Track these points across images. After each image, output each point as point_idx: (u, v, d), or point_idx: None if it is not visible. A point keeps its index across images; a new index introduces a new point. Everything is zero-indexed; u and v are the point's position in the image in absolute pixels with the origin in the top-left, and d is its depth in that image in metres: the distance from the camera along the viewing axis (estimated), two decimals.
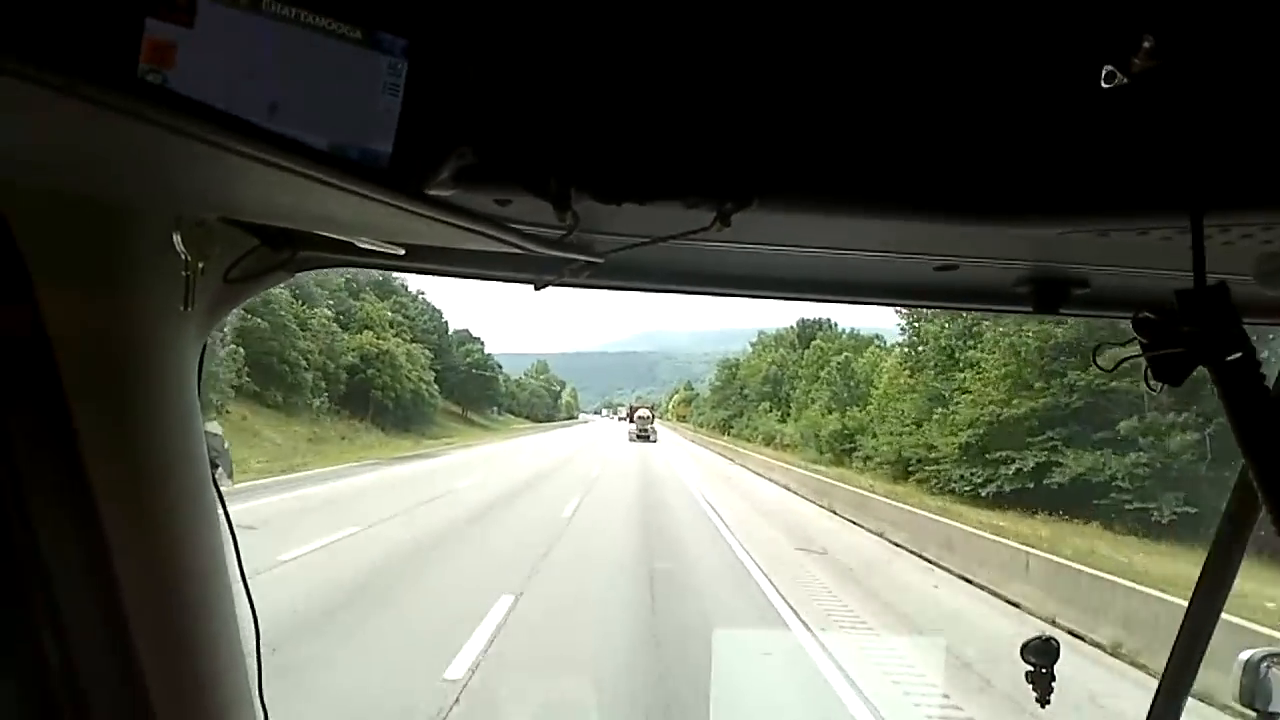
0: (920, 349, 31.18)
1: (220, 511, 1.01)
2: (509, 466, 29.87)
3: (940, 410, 26.89)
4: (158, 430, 0.92)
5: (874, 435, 31.64)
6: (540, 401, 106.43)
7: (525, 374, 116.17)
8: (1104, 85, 0.63)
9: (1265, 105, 0.66)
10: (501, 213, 0.79)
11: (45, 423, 0.81)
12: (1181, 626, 1.39)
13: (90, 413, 0.84)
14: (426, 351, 55.83)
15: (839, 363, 41.87)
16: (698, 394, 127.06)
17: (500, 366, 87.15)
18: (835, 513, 20.31)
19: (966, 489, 24.16)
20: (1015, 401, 23.09)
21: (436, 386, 55.95)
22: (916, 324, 30.53)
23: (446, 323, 68.74)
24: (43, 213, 0.78)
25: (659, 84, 0.70)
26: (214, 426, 1.05)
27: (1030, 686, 1.62)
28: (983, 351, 25.47)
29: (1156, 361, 0.71)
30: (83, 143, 0.56)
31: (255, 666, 1.05)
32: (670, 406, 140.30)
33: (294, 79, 0.57)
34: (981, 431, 24.18)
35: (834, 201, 0.77)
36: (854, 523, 18.58)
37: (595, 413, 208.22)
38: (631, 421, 64.78)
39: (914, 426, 28.38)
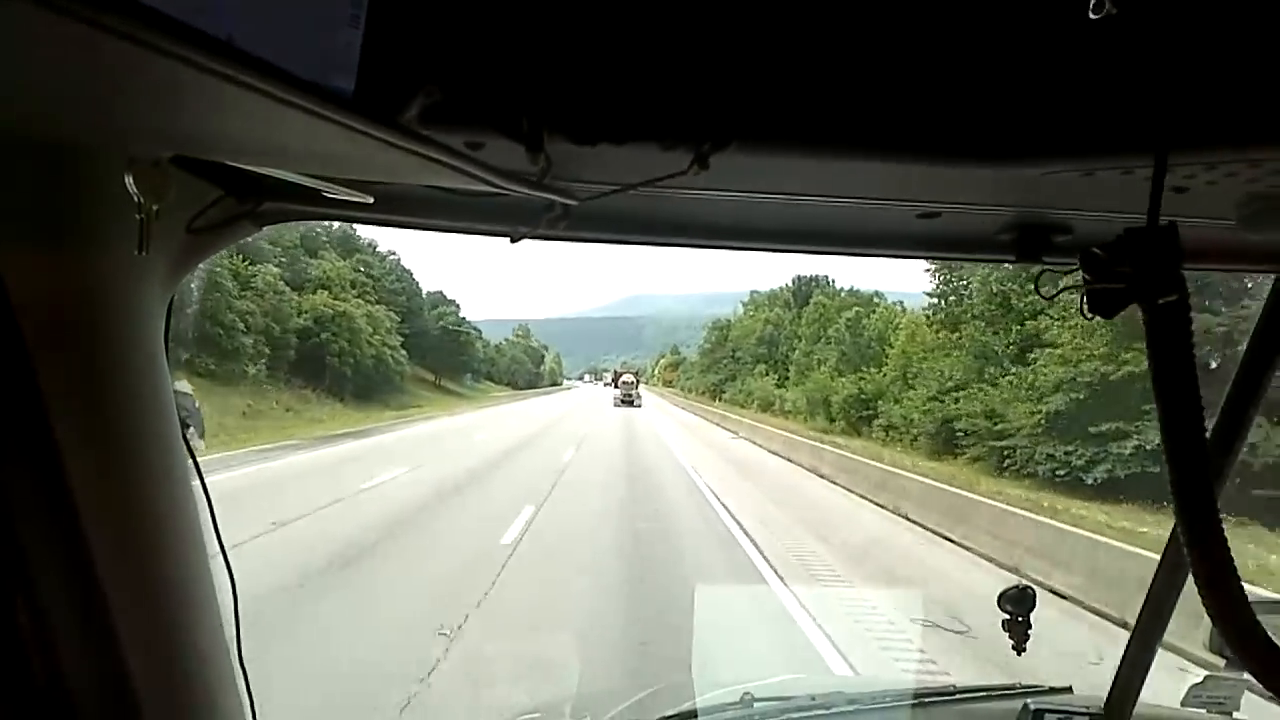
0: (961, 299, 26.81)
1: (193, 472, 0.98)
2: (461, 446, 22.91)
3: (993, 370, 22.52)
4: (122, 386, 0.88)
5: (896, 400, 27.51)
6: (521, 368, 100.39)
7: (506, 339, 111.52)
8: (1092, 16, 0.61)
9: (1248, 39, 0.64)
10: (474, 156, 0.75)
11: (4, 377, 0.76)
12: (1152, 581, 1.47)
13: (52, 367, 0.79)
14: (392, 314, 51.09)
15: (848, 319, 37.67)
16: (684, 358, 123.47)
17: (480, 332, 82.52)
18: (909, 519, 13.40)
19: (1060, 472, 18.30)
20: (1126, 357, 17.21)
21: (405, 352, 51.46)
22: (950, 268, 26.28)
23: (418, 284, 63.99)
24: None
25: (635, 19, 0.67)
26: (183, 385, 1.01)
27: (1007, 635, 1.65)
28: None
29: (1094, 295, 0.71)
30: (25, 65, 0.51)
31: (234, 626, 1.05)
32: (656, 371, 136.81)
33: (249, 12, 0.55)
34: (1079, 396, 18.43)
35: (815, 143, 0.75)
36: (951, 540, 11.72)
37: (580, 379, 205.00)
38: (616, 387, 65.39)
39: (955, 390, 23.95)
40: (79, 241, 0.81)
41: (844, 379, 32.97)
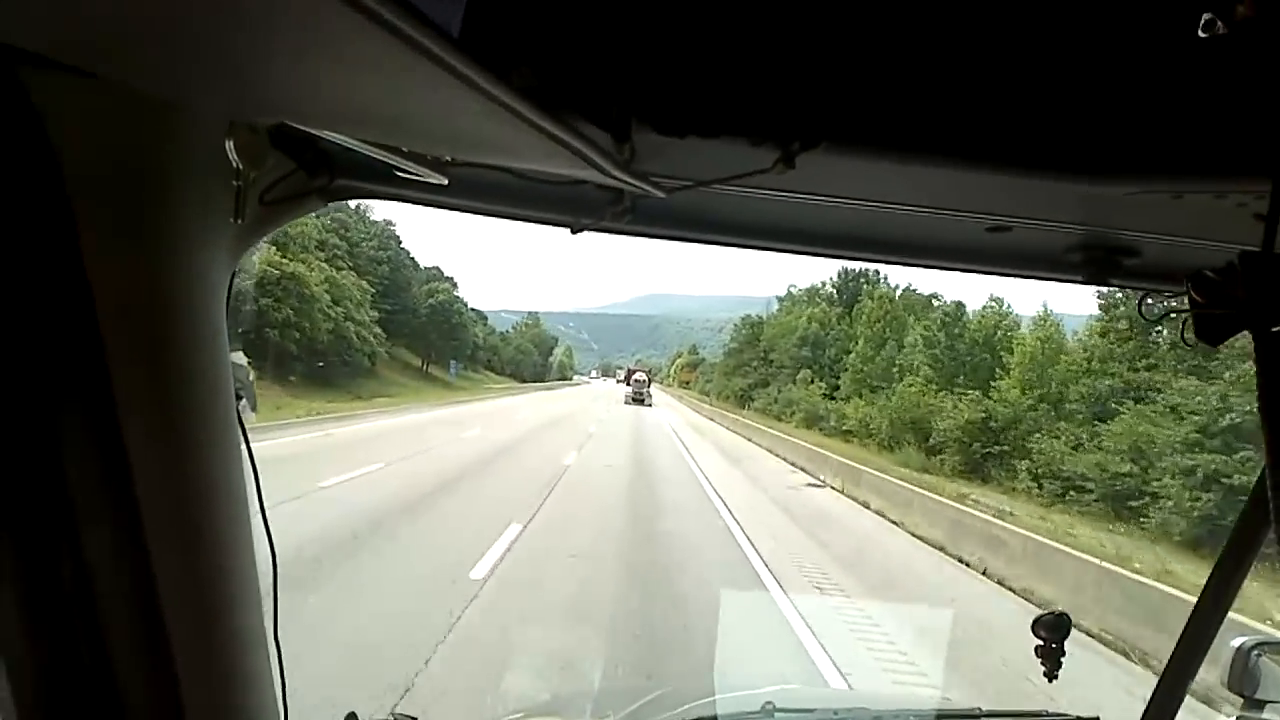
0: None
1: (243, 445, 0.97)
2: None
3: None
4: (185, 353, 0.88)
5: (1053, 434, 18.24)
6: (526, 359, 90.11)
7: (514, 327, 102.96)
8: (1201, 34, 0.60)
9: None
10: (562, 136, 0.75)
11: (73, 330, 0.77)
12: (1187, 623, 1.43)
13: (119, 328, 0.79)
14: (365, 284, 42.68)
15: (943, 317, 28.49)
16: (703, 358, 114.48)
17: (482, 315, 73.92)
18: None
19: None
20: None
21: (380, 331, 43.29)
22: None
23: (409, 254, 55.55)
24: (82, 107, 0.71)
25: (730, 12, 0.68)
26: (239, 357, 1.00)
27: (1040, 661, 1.62)
28: None
29: (1201, 319, 0.69)
30: (129, 13, 0.51)
31: (272, 603, 1.04)
32: (672, 371, 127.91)
33: None
34: None
35: (901, 147, 0.74)
36: None
37: (590, 375, 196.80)
38: (629, 384, 63.12)
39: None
40: (163, 203, 0.79)
41: (955, 397, 23.22)
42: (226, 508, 0.92)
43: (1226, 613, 1.37)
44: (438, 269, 61.26)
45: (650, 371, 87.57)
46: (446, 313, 56.31)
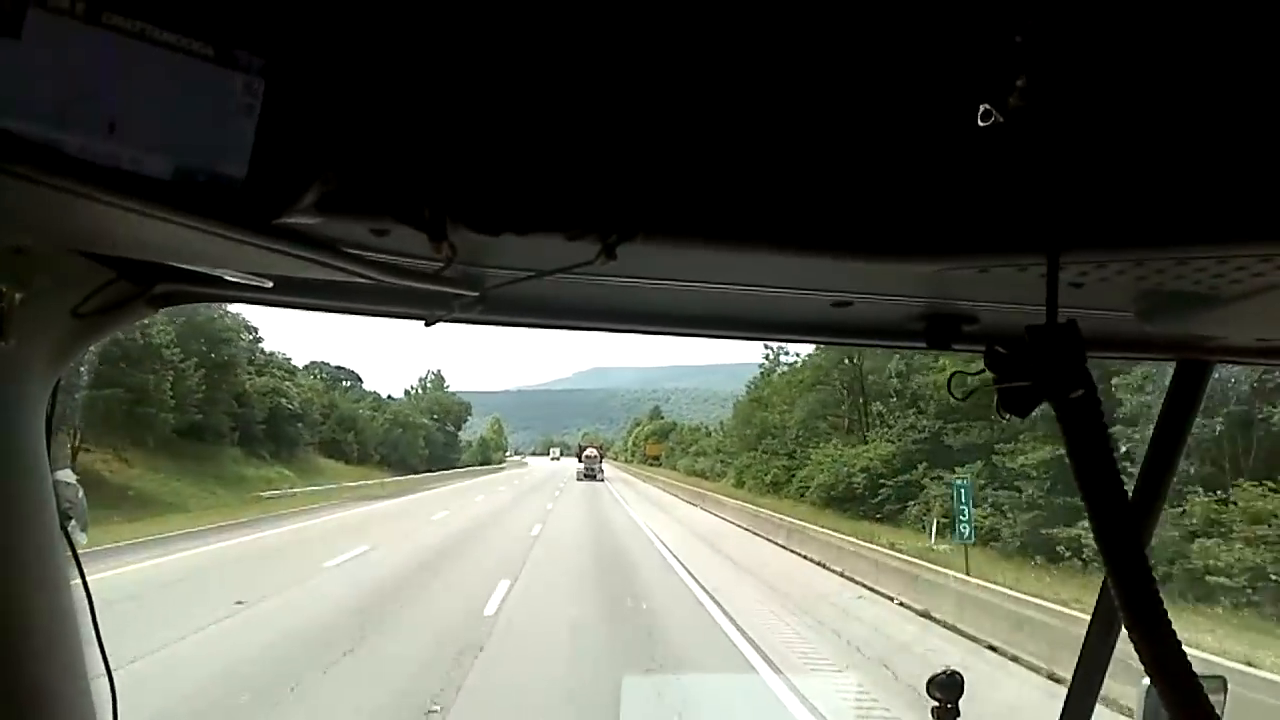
0: None
1: (73, 568, 0.93)
2: None
3: None
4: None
5: None
6: (413, 437, 56.61)
7: (407, 393, 75.87)
8: (980, 124, 0.65)
9: (1128, 148, 0.68)
10: (377, 243, 0.76)
11: None
12: (1087, 636, 1.49)
13: None
14: None
15: None
16: (675, 424, 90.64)
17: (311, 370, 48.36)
18: None
19: None
20: None
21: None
22: None
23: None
24: None
25: (538, 110, 0.67)
26: (67, 475, 0.97)
27: None
28: None
29: (1005, 394, 0.72)
30: None
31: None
32: (631, 443, 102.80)
33: (137, 97, 0.53)
34: None
35: (720, 236, 0.75)
36: None
37: (536, 454, 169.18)
38: (580, 460, 63.29)
39: None
40: None
41: None
42: (55, 634, 0.87)
43: (1108, 661, 1.48)
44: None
45: (601, 446, 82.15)
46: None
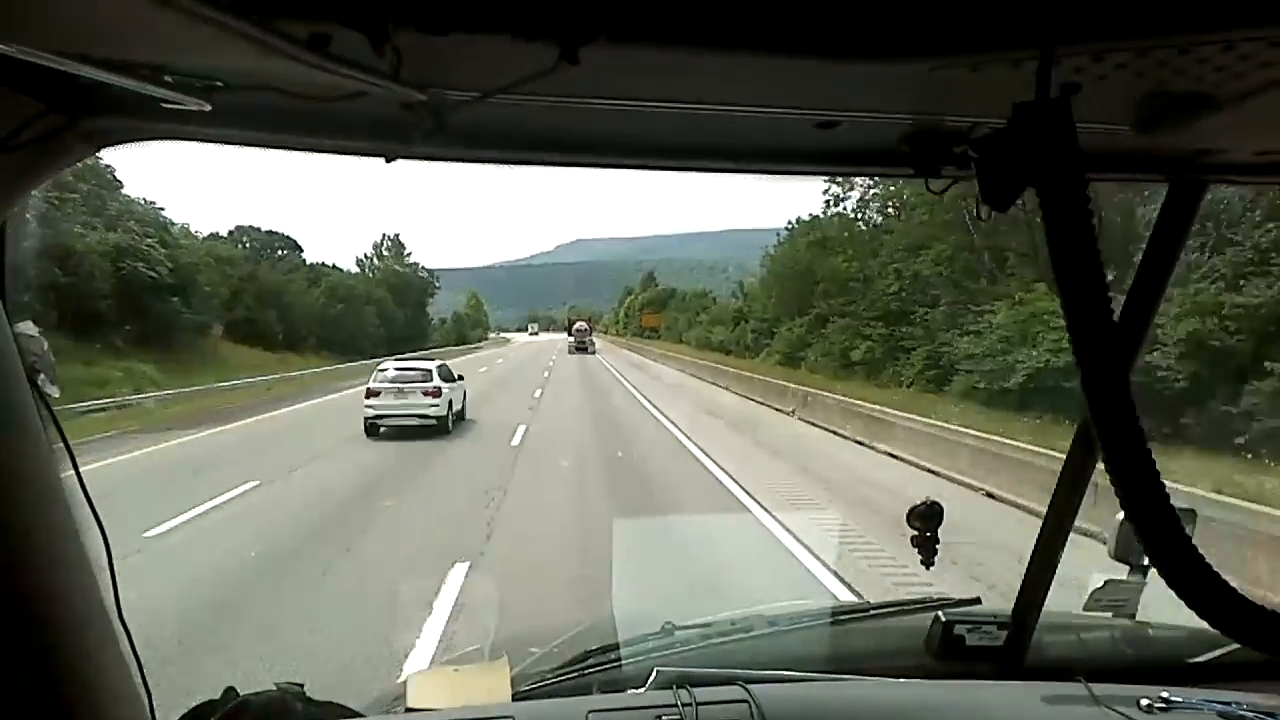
0: None
1: (48, 424, 0.88)
2: None
3: None
4: None
5: None
6: (355, 319, 45.48)
7: (360, 260, 63.41)
8: None
9: None
10: (319, 60, 0.68)
11: None
12: (1056, 486, 1.52)
13: None
14: None
15: None
16: (675, 291, 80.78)
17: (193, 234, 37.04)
18: None
19: None
20: None
21: None
22: None
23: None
24: None
25: None
26: (28, 327, 0.92)
27: (916, 550, 1.70)
28: None
29: (987, 183, 0.68)
30: None
31: (110, 582, 0.97)
32: (622, 314, 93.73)
33: None
34: None
35: (691, 39, 0.69)
36: None
37: (521, 331, 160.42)
38: (570, 335, 62.66)
39: None
40: None
41: None
42: (35, 495, 0.84)
43: (1086, 486, 1.49)
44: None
45: (590, 320, 79.72)
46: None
